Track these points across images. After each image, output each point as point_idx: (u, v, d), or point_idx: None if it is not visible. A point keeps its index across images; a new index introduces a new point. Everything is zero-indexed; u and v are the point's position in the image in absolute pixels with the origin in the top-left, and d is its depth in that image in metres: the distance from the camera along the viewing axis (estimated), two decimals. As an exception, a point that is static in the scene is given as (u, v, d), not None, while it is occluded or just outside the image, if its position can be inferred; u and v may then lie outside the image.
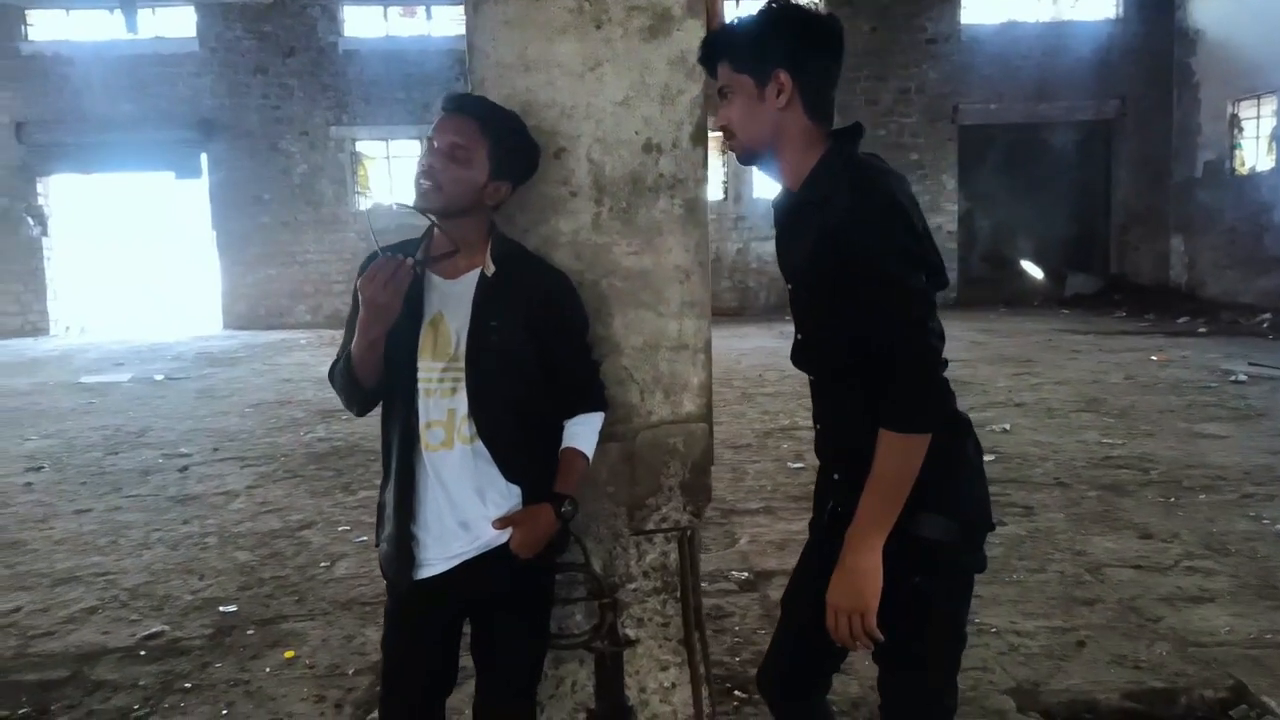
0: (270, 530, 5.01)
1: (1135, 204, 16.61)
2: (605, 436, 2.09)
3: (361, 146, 16.53)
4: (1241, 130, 15.05)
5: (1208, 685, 3.06)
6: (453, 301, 1.91)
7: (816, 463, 1.93)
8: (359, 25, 16.34)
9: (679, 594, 2.30)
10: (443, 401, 1.88)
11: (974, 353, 10.74)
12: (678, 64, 2.14)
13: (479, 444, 1.88)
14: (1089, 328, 12.98)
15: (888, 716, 1.85)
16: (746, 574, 4.15)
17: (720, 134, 1.81)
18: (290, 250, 16.29)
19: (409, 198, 1.90)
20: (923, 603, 1.69)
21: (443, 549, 1.90)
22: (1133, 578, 4.00)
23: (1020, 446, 6.28)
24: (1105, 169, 16.84)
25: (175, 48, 15.93)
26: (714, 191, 16.31)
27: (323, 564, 4.46)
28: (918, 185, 16.19)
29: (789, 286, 1.82)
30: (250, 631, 3.72)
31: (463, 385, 1.88)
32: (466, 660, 2.06)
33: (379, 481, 2.05)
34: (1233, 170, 15.20)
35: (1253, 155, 14.92)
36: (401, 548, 1.90)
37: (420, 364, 1.89)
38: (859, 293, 1.60)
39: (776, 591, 3.60)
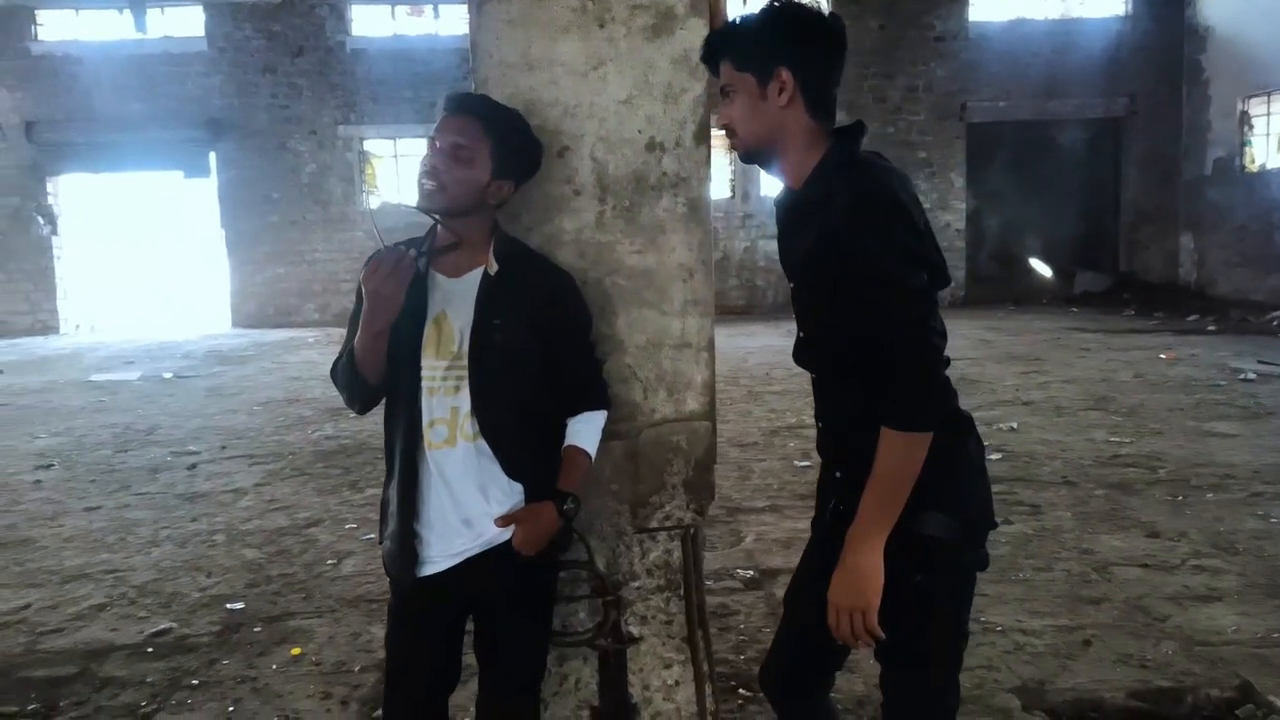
0: (278, 528, 5.03)
1: (1145, 202, 16.54)
2: (609, 434, 2.09)
3: (369, 145, 16.57)
4: (1252, 127, 14.98)
5: (1214, 684, 3.05)
6: (456, 300, 1.92)
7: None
8: (367, 24, 16.37)
9: (682, 592, 2.31)
10: (446, 399, 1.89)
11: (982, 351, 10.72)
12: (681, 63, 2.14)
13: (482, 442, 1.89)
14: (1098, 326, 12.93)
15: (890, 714, 1.85)
16: (752, 572, 4.15)
17: (723, 133, 1.81)
18: (299, 249, 16.33)
19: (413, 198, 1.91)
20: (924, 601, 1.69)
21: (446, 546, 1.90)
22: (1140, 576, 3.99)
23: (1028, 445, 6.27)
24: (1114, 167, 16.78)
25: (184, 47, 15.98)
26: (721, 190, 16.30)
27: (330, 561, 4.48)
28: (926, 183, 16.16)
29: (791, 285, 1.82)
30: (257, 628, 3.74)
31: (466, 383, 1.88)
32: (471, 658, 2.07)
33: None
34: (1243, 168, 15.13)
35: (1263, 152, 14.85)
36: (405, 545, 1.91)
37: (424, 362, 1.90)
38: (860, 291, 1.60)
39: (782, 590, 3.60)
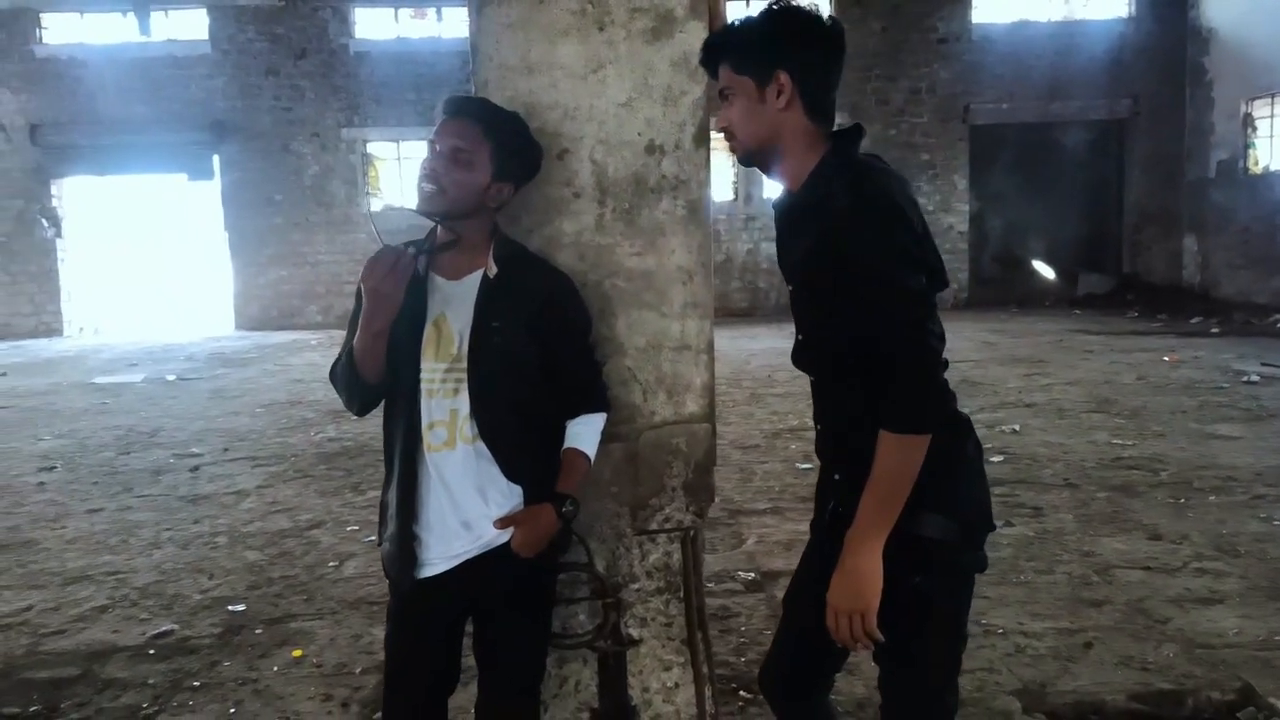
0: (280, 530, 5.04)
1: (1148, 204, 16.52)
2: (608, 437, 2.10)
3: (373, 148, 16.59)
4: (1255, 129, 14.95)
5: (1215, 687, 3.05)
6: (455, 302, 1.93)
7: (820, 463, 1.93)
8: (370, 27, 16.40)
9: (682, 594, 2.31)
10: (445, 402, 1.89)
11: (985, 353, 10.71)
12: (680, 65, 2.15)
13: (481, 444, 1.89)
14: (1101, 328, 12.92)
15: (888, 716, 1.85)
16: (753, 574, 4.15)
17: (722, 135, 1.82)
18: (302, 251, 16.36)
19: (413, 201, 1.92)
20: (922, 602, 1.69)
21: (445, 548, 1.91)
22: (1141, 579, 3.98)
23: (1030, 447, 6.26)
24: (1118, 168, 16.76)
25: (188, 50, 16.02)
26: (724, 192, 16.30)
27: (331, 563, 4.49)
28: (928, 185, 16.15)
29: (790, 287, 1.82)
30: (259, 630, 3.74)
31: (465, 386, 1.89)
32: (471, 660, 2.07)
33: (385, 481, 2.05)
34: (1246, 169, 15.11)
35: (1266, 154, 14.83)
36: (404, 547, 1.91)
37: (423, 364, 1.91)
38: (858, 293, 1.60)
39: (783, 592, 3.61)
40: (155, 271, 19.73)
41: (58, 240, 16.16)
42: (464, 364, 1.89)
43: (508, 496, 1.92)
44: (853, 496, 1.67)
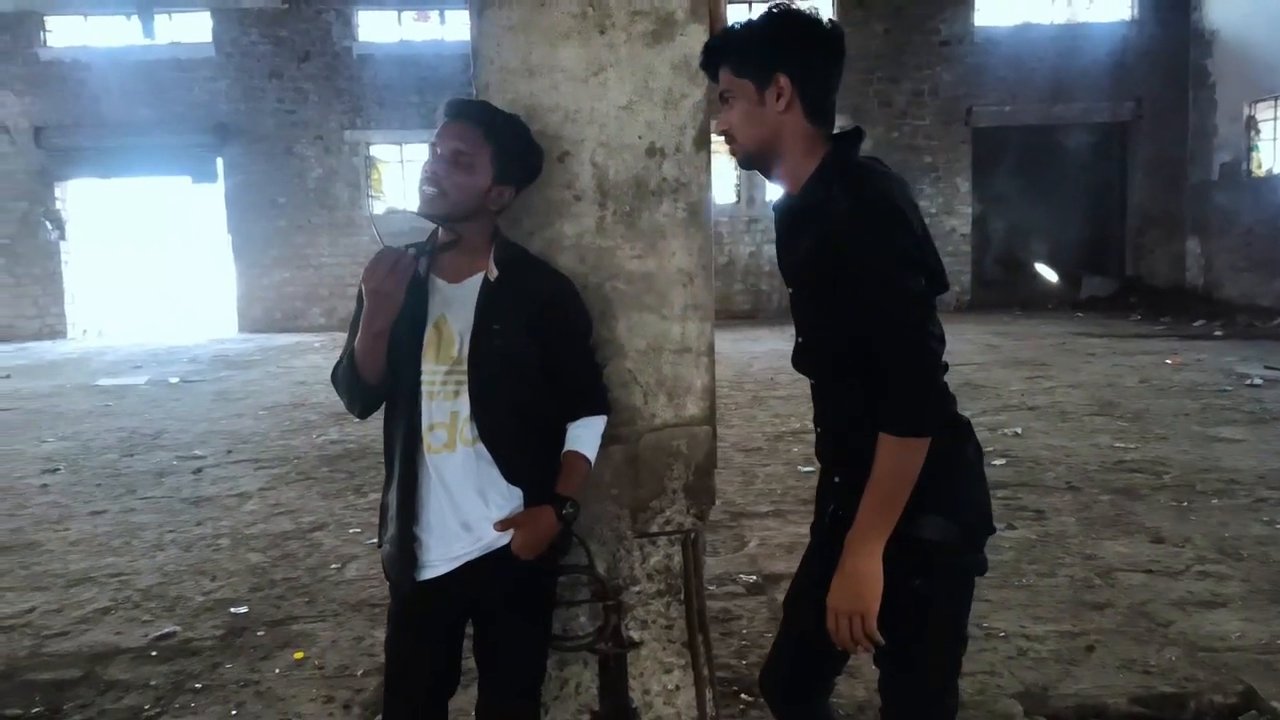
0: (282, 532, 5.04)
1: (1151, 206, 16.50)
2: (609, 439, 2.10)
3: (376, 150, 16.61)
4: (1258, 132, 14.94)
5: (1217, 690, 3.04)
6: (456, 305, 1.93)
7: (820, 466, 1.93)
8: (373, 30, 16.42)
9: (683, 596, 2.31)
10: (445, 404, 1.90)
11: (987, 356, 10.70)
12: (681, 68, 2.15)
13: (481, 446, 1.90)
14: (1104, 331, 12.90)
15: (888, 718, 1.85)
16: (755, 577, 4.15)
17: (723, 138, 1.82)
18: (305, 254, 16.38)
19: (415, 204, 1.92)
20: (922, 605, 1.69)
21: (445, 550, 1.91)
22: (1144, 582, 3.98)
23: (1032, 450, 6.26)
24: (1121, 171, 16.74)
25: (191, 53, 16.05)
26: (726, 194, 16.31)
27: (334, 566, 4.49)
28: (931, 188, 16.15)
29: (790, 290, 1.82)
30: (261, 632, 3.74)
31: (465, 388, 1.89)
32: (471, 662, 2.07)
33: (387, 483, 2.06)
34: (1249, 172, 15.08)
35: (1270, 157, 14.81)
36: (404, 549, 1.92)
37: (424, 367, 1.91)
38: (858, 296, 1.61)
39: (784, 595, 3.61)
40: (159, 274, 19.77)
41: (62, 243, 16.19)
42: (464, 366, 1.89)
43: (508, 498, 1.92)
44: (853, 499, 1.68)
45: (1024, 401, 8.02)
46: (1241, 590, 3.85)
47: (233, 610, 3.97)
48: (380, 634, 3.62)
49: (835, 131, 1.77)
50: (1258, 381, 8.56)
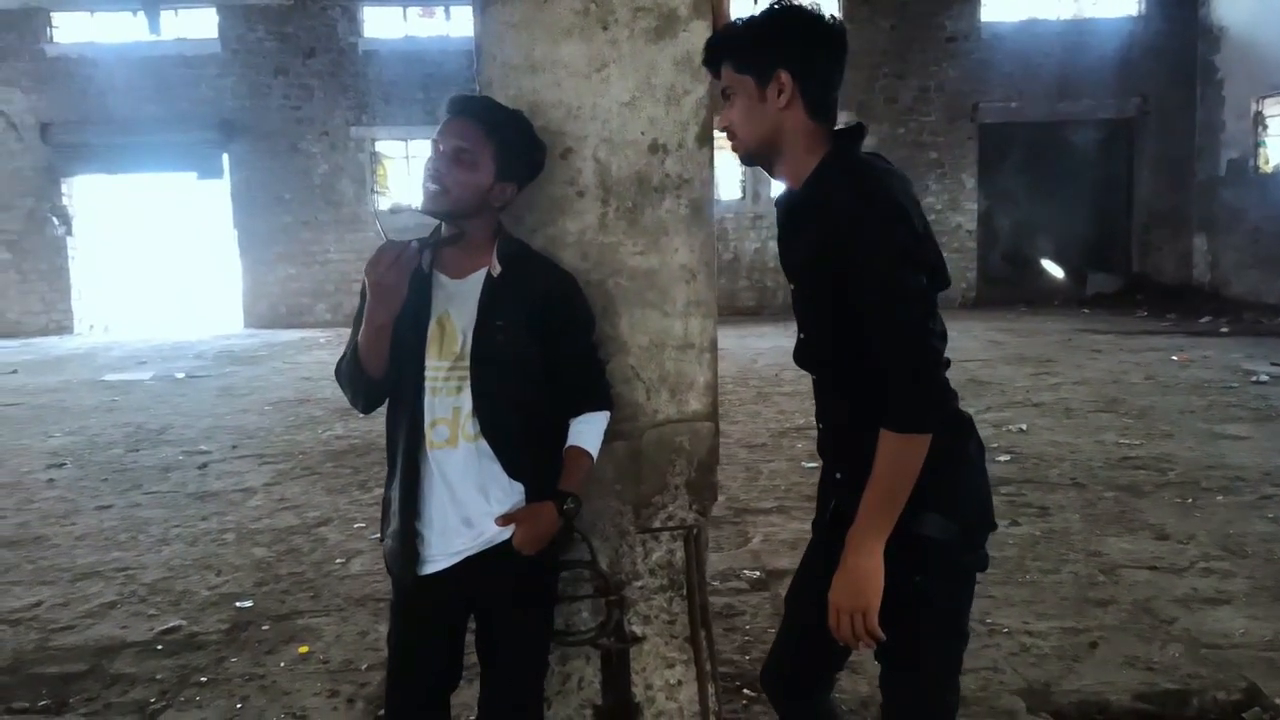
0: (287, 527, 5.06)
1: (1157, 203, 16.44)
2: (612, 435, 2.11)
3: (381, 146, 16.62)
4: (1266, 128, 14.87)
5: (1220, 687, 3.04)
6: (459, 301, 1.94)
7: (824, 462, 1.93)
8: (379, 26, 16.42)
9: (685, 592, 2.32)
10: (448, 400, 1.91)
11: (993, 352, 10.69)
12: (683, 65, 2.16)
13: (483, 442, 1.90)
14: (1110, 327, 12.87)
15: (889, 714, 1.86)
16: (758, 573, 4.16)
17: (724, 135, 1.82)
18: (311, 250, 16.40)
19: (419, 200, 1.93)
20: (923, 601, 1.70)
21: (446, 545, 1.92)
22: (1148, 579, 3.97)
23: (1037, 447, 6.25)
24: (1127, 167, 16.67)
25: (197, 49, 16.07)
26: (732, 190, 16.29)
27: (338, 560, 4.51)
28: (937, 184, 16.11)
29: (792, 286, 1.83)
30: (265, 627, 3.76)
31: (468, 384, 1.90)
32: (474, 656, 2.08)
33: (390, 478, 2.06)
34: (1257, 168, 15.02)
35: (1277, 153, 14.74)
36: (406, 544, 1.93)
37: (427, 362, 1.92)
38: (859, 293, 1.61)
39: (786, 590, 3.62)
40: (165, 269, 19.80)
41: (68, 238, 16.23)
42: (467, 362, 1.90)
43: (509, 494, 1.93)
44: (854, 495, 1.68)
45: (1029, 398, 8.01)
46: (1245, 587, 3.85)
47: (238, 605, 3.98)
48: (384, 628, 3.62)
49: (838, 128, 1.77)
50: (1264, 379, 8.53)
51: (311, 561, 4.51)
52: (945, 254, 1.70)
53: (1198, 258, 16.22)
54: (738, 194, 16.34)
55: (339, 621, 3.79)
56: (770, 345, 11.58)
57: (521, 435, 1.93)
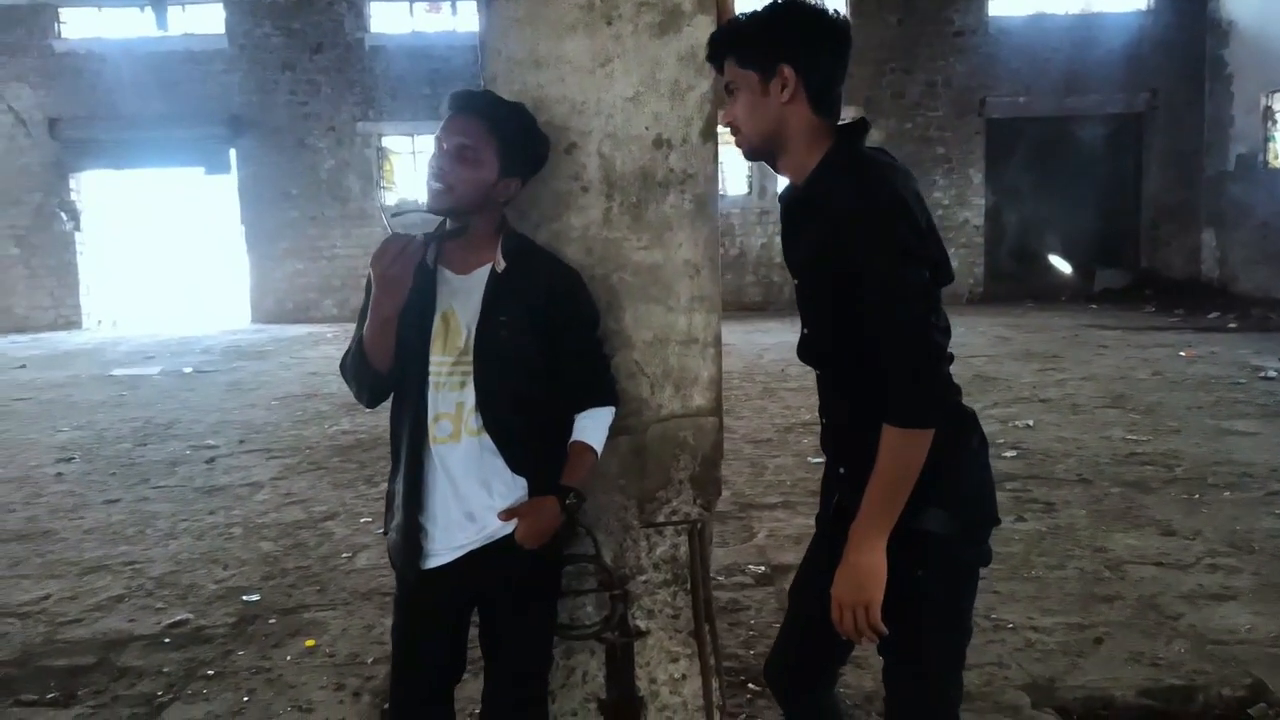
0: (294, 521, 5.08)
1: (1166, 198, 16.36)
2: (616, 430, 2.11)
3: (388, 142, 16.62)
4: (1275, 123, 14.78)
5: (1226, 683, 3.04)
6: (464, 296, 1.94)
7: (827, 457, 1.93)
8: (385, 21, 16.42)
9: (689, 586, 2.32)
10: (451, 395, 1.91)
11: (1000, 348, 10.66)
12: (687, 60, 2.15)
13: (486, 437, 1.91)
14: (1117, 323, 12.83)
15: (891, 709, 1.86)
16: (763, 568, 4.16)
17: (728, 130, 1.82)
18: (318, 245, 16.41)
19: (424, 198, 1.93)
20: (924, 596, 1.70)
21: (449, 540, 1.93)
22: (1154, 575, 3.97)
23: (1044, 443, 6.24)
24: (1135, 162, 16.59)
25: (205, 45, 16.09)
26: (739, 186, 16.27)
27: (344, 555, 4.53)
28: (944, 179, 16.06)
29: (795, 282, 1.83)
30: (272, 620, 3.78)
31: (471, 379, 1.90)
32: (478, 650, 2.09)
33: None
34: (1266, 164, 14.94)
35: (1287, 149, 14.67)
36: (409, 538, 1.94)
37: (431, 357, 1.93)
38: (861, 288, 1.61)
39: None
40: (172, 265, 19.84)
41: (76, 234, 16.27)
42: (470, 357, 1.91)
43: (512, 489, 1.93)
44: (857, 491, 1.68)
45: (1035, 394, 8.00)
46: (1252, 583, 3.84)
47: (245, 598, 4.00)
48: (389, 622, 3.62)
49: (841, 123, 1.77)
50: (1272, 374, 8.50)
51: (318, 556, 4.53)
52: (952, 250, 1.71)
53: (1206, 253, 16.14)
54: (744, 189, 16.31)
55: (345, 615, 3.81)
56: (776, 341, 11.57)
57: (524, 430, 1.94)
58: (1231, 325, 12.33)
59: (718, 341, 2.28)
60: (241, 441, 7.08)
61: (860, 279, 1.60)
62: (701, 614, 2.32)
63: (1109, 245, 16.73)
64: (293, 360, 11.67)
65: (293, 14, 16.01)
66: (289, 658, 3.44)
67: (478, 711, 2.12)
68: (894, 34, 15.85)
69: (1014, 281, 16.32)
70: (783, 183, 1.84)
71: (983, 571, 1.82)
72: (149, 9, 15.86)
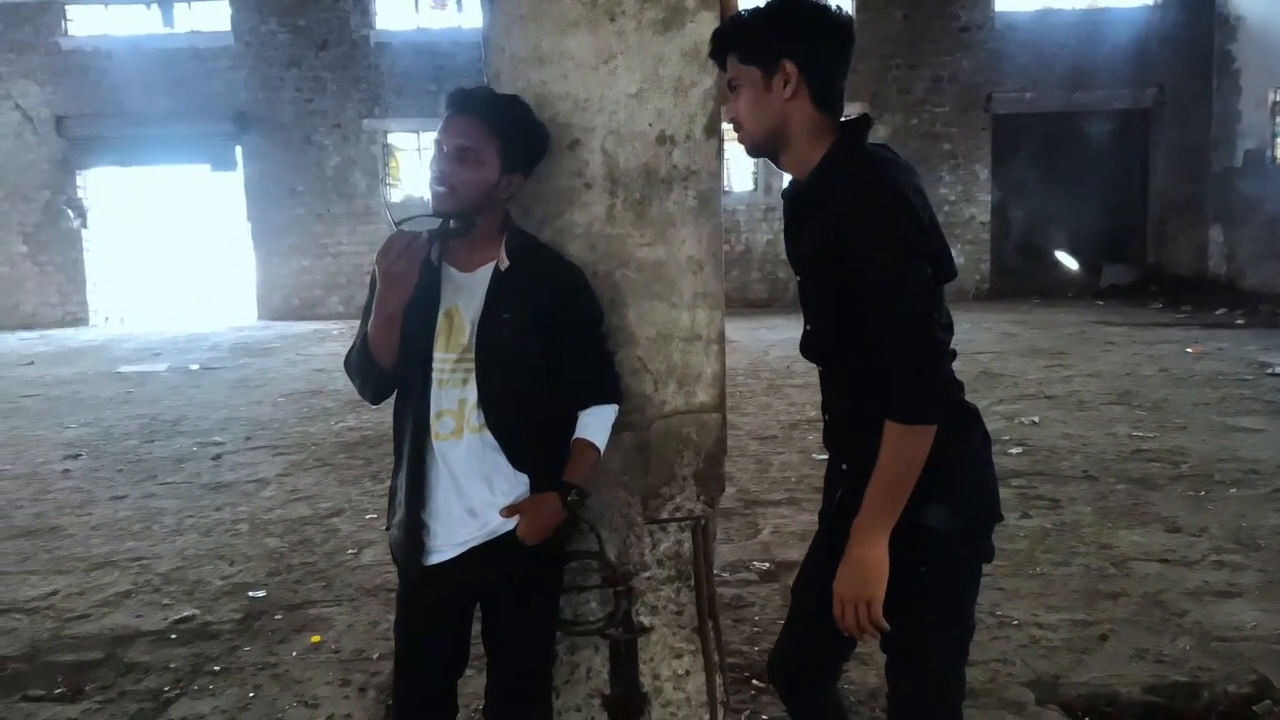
0: (300, 517, 5.09)
1: (1173, 194, 16.30)
2: (619, 426, 2.11)
3: (393, 139, 16.64)
4: (1284, 118, 14.73)
5: (1230, 680, 3.04)
6: (467, 293, 1.95)
7: (832, 454, 1.93)
8: (390, 18, 16.42)
9: (693, 582, 2.32)
10: (454, 391, 1.92)
11: (1006, 344, 10.64)
12: (691, 56, 2.15)
13: (488, 433, 1.91)
14: (1124, 319, 12.80)
15: (894, 705, 1.86)
16: (768, 564, 4.17)
17: (731, 126, 1.82)
18: (324, 242, 16.45)
19: (427, 199, 1.94)
20: (926, 592, 1.70)
21: (451, 536, 1.93)
22: (1159, 572, 3.96)
23: (1049, 439, 6.23)
24: (1143, 158, 16.54)
25: (210, 41, 16.12)
26: (744, 182, 16.25)
27: (350, 551, 4.54)
28: (950, 175, 16.02)
29: (798, 278, 1.83)
30: (278, 616, 3.79)
31: (474, 376, 1.91)
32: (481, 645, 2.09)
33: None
34: (1274, 159, 14.87)
35: (1295, 144, 14.60)
36: (412, 534, 1.94)
37: (435, 354, 1.93)
38: (863, 285, 1.61)
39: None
40: (179, 262, 19.88)
41: (83, 231, 16.33)
42: (473, 354, 1.91)
43: (514, 485, 1.94)
44: (859, 487, 1.68)
45: (1041, 390, 7.98)
46: (1257, 580, 3.84)
47: (251, 594, 4.02)
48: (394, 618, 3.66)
49: (844, 119, 1.77)
50: (1279, 371, 8.47)
51: (324, 552, 4.54)
52: (959, 246, 1.72)
53: (1213, 249, 16.09)
54: (750, 186, 16.30)
55: (351, 611, 3.82)
56: (782, 337, 11.56)
57: (526, 427, 1.94)
58: (1239, 321, 12.29)
59: (721, 338, 2.28)
60: (248, 438, 7.11)
61: (861, 275, 1.60)
62: (705, 610, 2.33)
63: (1116, 241, 16.69)
64: (299, 357, 11.70)
65: (298, 11, 16.03)
66: (295, 653, 3.45)
67: (482, 707, 2.13)
68: (900, 29, 15.82)
69: (1020, 278, 16.29)
70: (788, 179, 1.83)
71: (987, 568, 1.82)
72: (155, 6, 15.91)
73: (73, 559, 4.55)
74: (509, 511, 1.90)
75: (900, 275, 1.58)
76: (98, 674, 3.33)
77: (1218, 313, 13.15)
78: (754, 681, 3.10)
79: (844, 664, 2.08)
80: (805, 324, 1.84)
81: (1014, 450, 5.89)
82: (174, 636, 3.63)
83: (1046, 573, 3.98)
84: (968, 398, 1.77)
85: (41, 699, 3.17)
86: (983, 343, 10.49)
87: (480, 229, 1.95)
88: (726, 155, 13.91)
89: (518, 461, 1.93)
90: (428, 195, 1.93)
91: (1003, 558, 3.99)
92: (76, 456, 6.67)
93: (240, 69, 16.12)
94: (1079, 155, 16.11)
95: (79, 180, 16.25)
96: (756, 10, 1.71)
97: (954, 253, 1.72)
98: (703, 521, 2.31)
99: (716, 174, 2.23)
